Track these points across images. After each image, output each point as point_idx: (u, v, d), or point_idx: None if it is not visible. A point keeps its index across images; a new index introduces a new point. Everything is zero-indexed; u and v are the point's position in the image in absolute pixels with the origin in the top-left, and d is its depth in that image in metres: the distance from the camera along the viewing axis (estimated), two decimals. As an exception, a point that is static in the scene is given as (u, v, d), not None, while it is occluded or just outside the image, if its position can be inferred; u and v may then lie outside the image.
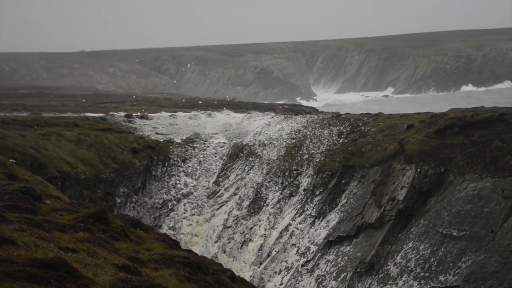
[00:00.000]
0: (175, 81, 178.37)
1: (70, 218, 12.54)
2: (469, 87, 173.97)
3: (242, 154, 42.02)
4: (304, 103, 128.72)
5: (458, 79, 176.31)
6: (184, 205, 38.87)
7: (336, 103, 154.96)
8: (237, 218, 37.31)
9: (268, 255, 34.93)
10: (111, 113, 51.48)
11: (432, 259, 28.39)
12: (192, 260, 11.13)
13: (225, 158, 42.16)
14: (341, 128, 41.20)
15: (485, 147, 31.41)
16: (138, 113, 51.02)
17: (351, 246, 32.33)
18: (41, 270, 7.63)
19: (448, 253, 28.01)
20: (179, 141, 43.79)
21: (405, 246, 30.22)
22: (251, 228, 36.79)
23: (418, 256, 29.10)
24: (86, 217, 12.46)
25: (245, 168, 40.79)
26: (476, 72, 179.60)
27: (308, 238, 34.59)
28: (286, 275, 33.44)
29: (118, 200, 37.49)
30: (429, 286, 27.52)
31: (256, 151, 41.83)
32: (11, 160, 28.41)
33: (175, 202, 39.00)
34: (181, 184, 40.24)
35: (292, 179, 38.60)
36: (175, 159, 41.94)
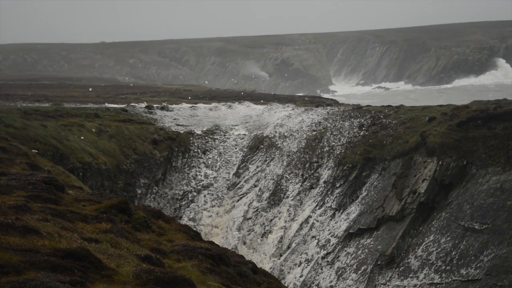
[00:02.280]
0: (195, 73, 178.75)
1: (92, 208, 12.58)
2: (492, 79, 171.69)
3: (262, 146, 41.97)
4: (324, 95, 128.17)
5: (480, 71, 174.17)
6: (204, 196, 38.96)
7: (356, 95, 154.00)
8: (257, 210, 37.32)
9: (288, 247, 34.92)
10: (132, 104, 51.71)
11: (453, 252, 28.16)
12: (214, 251, 11.11)
13: (245, 149, 42.15)
14: (362, 120, 40.94)
15: (508, 140, 31.01)
16: (159, 105, 51.17)
17: (371, 238, 32.18)
18: (65, 260, 7.67)
19: (470, 246, 27.75)
20: (199, 132, 43.85)
21: (426, 239, 30.00)
22: (271, 220, 36.78)
23: (439, 249, 28.87)
24: (109, 207, 12.49)
25: (266, 160, 40.75)
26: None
27: (328, 230, 34.51)
28: (306, 267, 33.42)
29: (139, 191, 37.71)
30: (450, 279, 27.32)
31: (277, 143, 41.75)
32: (33, 151, 28.67)
33: (195, 194, 39.10)
34: (201, 176, 40.33)
35: (312, 171, 38.48)
36: (195, 150, 42.03)
